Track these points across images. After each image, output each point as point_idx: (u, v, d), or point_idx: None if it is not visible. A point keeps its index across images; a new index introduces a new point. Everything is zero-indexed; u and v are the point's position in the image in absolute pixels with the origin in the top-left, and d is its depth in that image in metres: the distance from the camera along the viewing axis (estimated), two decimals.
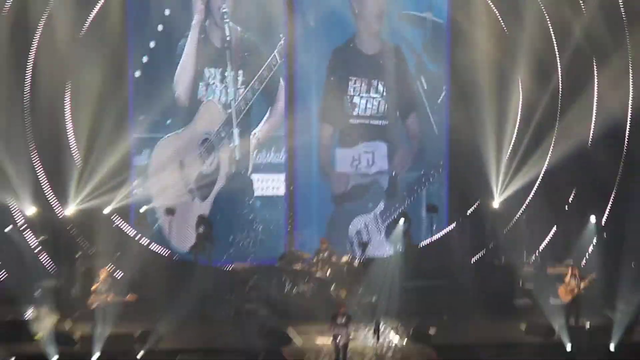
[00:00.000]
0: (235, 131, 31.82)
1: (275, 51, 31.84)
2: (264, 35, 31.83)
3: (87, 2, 30.01)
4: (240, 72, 31.79)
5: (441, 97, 32.95)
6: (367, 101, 32.62)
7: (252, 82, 31.76)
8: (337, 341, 24.38)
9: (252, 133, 31.97)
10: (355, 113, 32.66)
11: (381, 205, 32.76)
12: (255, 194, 32.10)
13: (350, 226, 32.64)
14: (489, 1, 31.67)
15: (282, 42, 31.79)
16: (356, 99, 32.61)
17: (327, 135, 32.53)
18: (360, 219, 32.71)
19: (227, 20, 31.37)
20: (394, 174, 32.77)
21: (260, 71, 31.82)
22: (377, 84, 32.64)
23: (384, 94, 32.62)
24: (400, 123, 32.74)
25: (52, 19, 29.36)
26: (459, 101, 32.23)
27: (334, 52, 32.36)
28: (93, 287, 25.99)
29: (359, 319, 27.06)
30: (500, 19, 31.63)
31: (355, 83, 32.55)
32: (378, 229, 32.73)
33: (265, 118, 32.08)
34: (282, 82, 31.97)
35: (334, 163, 32.56)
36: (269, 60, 31.79)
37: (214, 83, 31.69)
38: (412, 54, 32.83)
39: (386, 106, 32.70)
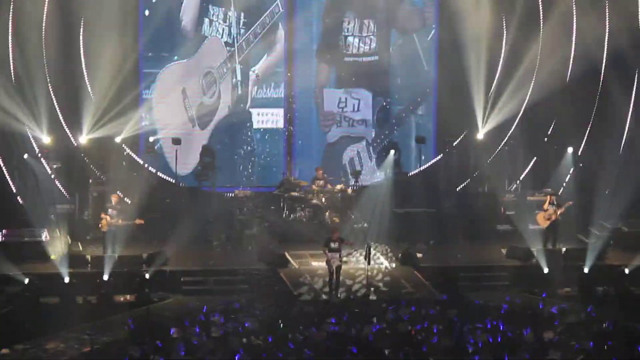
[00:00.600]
0: (238, 67, 31.48)
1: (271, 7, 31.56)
2: None
3: None
4: (242, 14, 31.35)
5: (431, 35, 32.53)
6: (359, 40, 32.18)
7: (255, 26, 31.38)
8: (331, 263, 24.50)
9: (252, 70, 31.64)
10: (349, 52, 32.26)
11: (372, 134, 32.54)
12: (255, 126, 31.84)
13: (343, 154, 32.43)
14: None
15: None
16: (350, 39, 32.15)
17: (324, 74, 32.29)
18: (353, 147, 32.50)
19: None
20: (384, 103, 32.48)
21: (263, 17, 31.43)
22: (369, 23, 32.16)
23: (375, 31, 32.20)
24: (389, 57, 32.50)
25: None
26: (447, 39, 31.83)
27: None
28: (104, 212, 26.08)
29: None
30: None
31: (348, 24, 32.11)
32: (369, 156, 32.52)
33: (264, 58, 31.75)
34: (281, 28, 31.61)
35: (322, 102, 32.28)
36: (271, 7, 31.45)
37: (217, 21, 31.23)
38: None
39: (377, 43, 32.29)
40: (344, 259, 25.08)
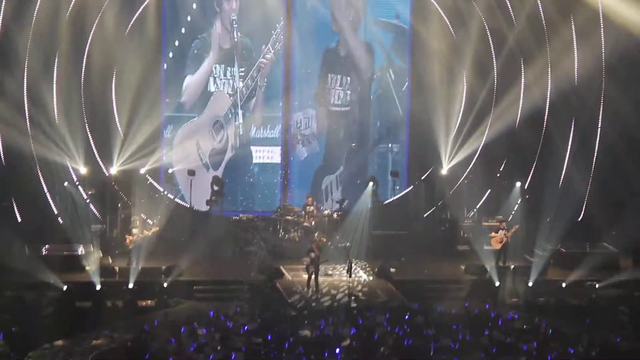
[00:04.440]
0: (240, 112, 31.32)
1: (263, 54, 31.23)
2: (261, 40, 31.29)
3: (131, 7, 29.59)
4: (242, 68, 31.23)
5: (405, 86, 32.39)
6: (339, 93, 32.16)
7: (248, 76, 31.21)
8: (309, 267, 25.08)
9: (250, 113, 31.51)
10: (332, 102, 32.18)
11: (341, 168, 32.36)
12: (254, 161, 31.71)
13: (322, 182, 32.21)
14: (442, 12, 31.23)
15: (269, 47, 31.19)
16: (332, 91, 32.09)
17: (321, 116, 32.18)
18: (328, 178, 32.24)
19: (236, 26, 30.85)
20: (353, 145, 32.33)
21: (253, 69, 31.24)
22: (348, 79, 32.12)
23: (351, 86, 32.14)
24: (360, 107, 32.38)
25: (103, 21, 29.03)
26: (418, 89, 31.77)
27: (324, 53, 31.86)
28: (127, 233, 26.41)
29: (336, 259, 27.18)
30: (450, 26, 31.22)
31: (332, 79, 32.05)
32: (337, 186, 32.21)
33: (254, 102, 31.54)
34: (265, 80, 31.40)
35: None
36: (258, 61, 31.21)
37: (219, 77, 31.11)
38: (382, 51, 32.36)
39: (351, 95, 32.23)
40: (330, 271, 25.81)
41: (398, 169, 32.05)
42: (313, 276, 25.17)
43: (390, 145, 32.66)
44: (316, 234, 28.69)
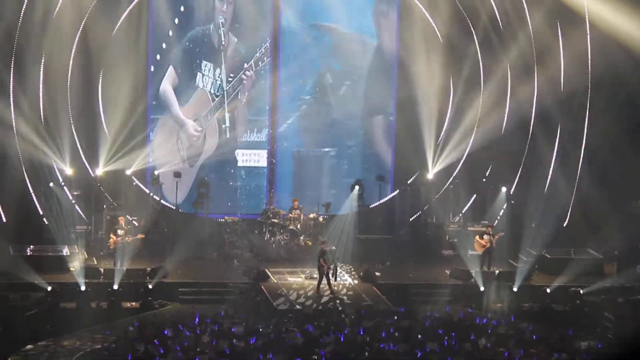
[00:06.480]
0: (227, 115, 31.19)
1: (252, 60, 31.11)
2: (251, 44, 31.18)
3: (119, 8, 29.44)
4: (231, 73, 31.05)
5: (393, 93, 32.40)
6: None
7: (235, 80, 31.06)
8: (324, 272, 25.13)
9: (235, 117, 31.40)
10: None
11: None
12: (239, 164, 31.53)
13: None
14: (427, 14, 31.15)
15: (258, 55, 31.09)
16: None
17: None
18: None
19: (223, 28, 30.69)
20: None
21: (240, 74, 31.07)
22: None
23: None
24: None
25: (90, 22, 28.86)
26: (405, 97, 31.63)
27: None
28: (112, 233, 26.24)
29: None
30: (437, 30, 31.15)
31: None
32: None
33: (238, 108, 31.40)
34: (245, 94, 31.28)
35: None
36: (246, 66, 31.06)
37: (207, 75, 30.92)
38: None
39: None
40: (315, 275, 25.64)
41: (384, 173, 31.96)
42: (325, 279, 25.13)
43: (375, 147, 32.58)
44: (301, 238, 28.92)
